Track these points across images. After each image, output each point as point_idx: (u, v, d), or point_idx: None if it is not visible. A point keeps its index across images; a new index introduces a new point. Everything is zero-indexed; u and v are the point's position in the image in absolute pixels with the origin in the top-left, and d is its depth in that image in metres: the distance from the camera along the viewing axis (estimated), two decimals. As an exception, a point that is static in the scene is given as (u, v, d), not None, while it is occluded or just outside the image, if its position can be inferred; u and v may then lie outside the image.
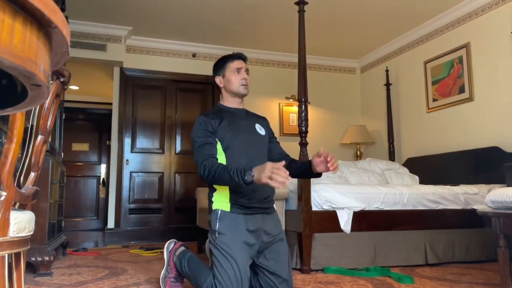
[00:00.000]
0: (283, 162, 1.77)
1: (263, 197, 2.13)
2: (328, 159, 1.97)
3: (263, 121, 2.39)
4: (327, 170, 2.00)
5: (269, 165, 1.74)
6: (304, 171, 2.16)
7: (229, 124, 2.17)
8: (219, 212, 2.08)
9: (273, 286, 2.07)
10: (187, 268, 2.20)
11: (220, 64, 2.29)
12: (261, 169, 1.75)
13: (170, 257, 2.35)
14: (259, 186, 1.98)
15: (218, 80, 2.28)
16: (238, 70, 2.23)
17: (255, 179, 1.78)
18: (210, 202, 2.17)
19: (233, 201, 2.08)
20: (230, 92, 2.26)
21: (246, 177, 1.81)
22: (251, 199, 2.08)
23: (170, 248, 2.39)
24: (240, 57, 2.29)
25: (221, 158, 2.13)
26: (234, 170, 1.86)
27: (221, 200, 2.11)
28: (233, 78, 2.23)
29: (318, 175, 2.13)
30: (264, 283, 2.10)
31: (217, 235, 2.04)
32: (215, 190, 2.15)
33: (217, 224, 2.06)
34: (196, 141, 2.12)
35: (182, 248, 2.38)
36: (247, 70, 2.27)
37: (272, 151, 2.33)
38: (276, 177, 1.69)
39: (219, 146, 2.14)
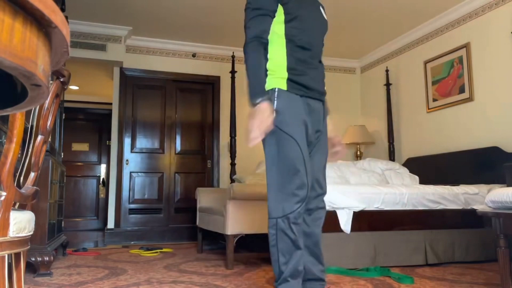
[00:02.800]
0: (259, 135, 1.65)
1: (321, 79, 1.97)
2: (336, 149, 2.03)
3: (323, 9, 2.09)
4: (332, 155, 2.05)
5: (266, 115, 1.67)
6: None
7: (298, 2, 1.88)
8: (276, 90, 1.82)
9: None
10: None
11: None
12: (258, 113, 1.67)
13: None
14: (316, 73, 1.88)
15: None
16: None
17: (256, 107, 1.70)
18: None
19: (290, 78, 1.84)
20: None
21: (253, 100, 1.72)
22: (311, 79, 1.89)
23: None
24: None
25: (280, 30, 1.86)
26: (258, 82, 1.76)
27: (277, 75, 1.84)
28: None
29: None
30: None
31: (275, 114, 1.77)
32: (267, 60, 1.87)
33: (275, 102, 1.80)
34: (253, 9, 1.86)
35: None
36: None
37: None
38: (250, 133, 1.63)
39: (280, 16, 1.86)
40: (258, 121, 1.66)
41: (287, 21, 1.87)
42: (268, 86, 1.84)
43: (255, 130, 1.65)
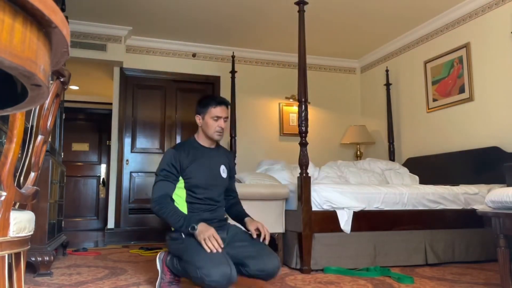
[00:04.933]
0: (220, 240, 2.08)
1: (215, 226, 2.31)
2: (262, 236, 2.25)
3: (227, 160, 2.56)
4: (256, 237, 2.27)
5: (210, 231, 2.08)
6: (237, 220, 2.47)
7: (198, 166, 2.37)
8: None
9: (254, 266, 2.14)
10: (178, 263, 2.26)
11: (203, 105, 2.43)
12: (204, 229, 2.10)
13: (163, 264, 2.41)
14: (210, 220, 2.29)
15: (198, 119, 2.45)
16: (217, 118, 2.37)
17: (196, 233, 2.11)
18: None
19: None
20: (205, 134, 2.44)
21: (190, 229, 2.13)
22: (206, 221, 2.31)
23: (162, 257, 2.46)
24: (223, 103, 2.41)
25: (182, 193, 2.37)
26: (182, 218, 2.19)
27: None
28: (210, 123, 2.38)
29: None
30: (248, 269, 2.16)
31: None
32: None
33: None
34: (159, 174, 2.34)
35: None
36: (226, 118, 2.41)
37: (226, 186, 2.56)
38: (209, 244, 2.05)
39: (181, 183, 2.36)
40: (206, 236, 2.09)
41: (187, 188, 2.37)
42: None
43: (212, 242, 2.07)
